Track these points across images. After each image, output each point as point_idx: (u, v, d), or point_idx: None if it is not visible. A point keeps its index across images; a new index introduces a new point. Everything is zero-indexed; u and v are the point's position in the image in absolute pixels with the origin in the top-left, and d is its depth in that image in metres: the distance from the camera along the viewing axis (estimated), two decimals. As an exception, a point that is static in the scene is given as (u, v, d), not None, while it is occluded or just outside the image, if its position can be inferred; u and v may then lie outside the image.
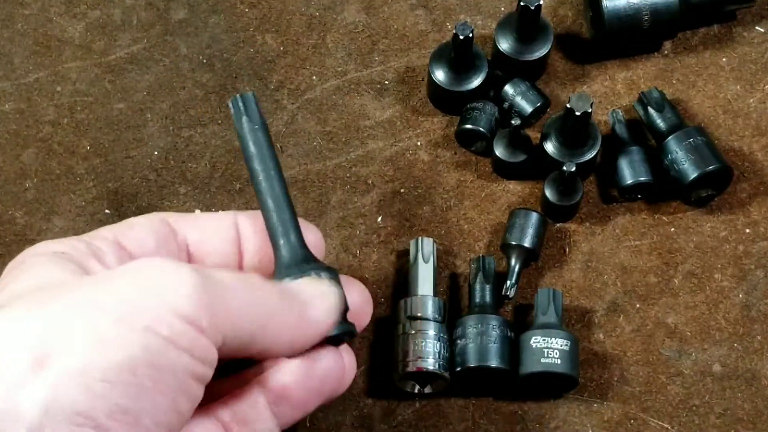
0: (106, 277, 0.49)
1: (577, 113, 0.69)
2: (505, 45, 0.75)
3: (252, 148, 0.60)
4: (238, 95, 0.60)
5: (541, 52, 0.75)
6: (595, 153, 0.72)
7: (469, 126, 0.74)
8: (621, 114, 0.75)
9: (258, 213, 0.59)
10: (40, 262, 0.52)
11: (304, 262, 0.58)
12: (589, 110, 0.69)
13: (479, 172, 0.75)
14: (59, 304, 0.47)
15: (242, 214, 0.60)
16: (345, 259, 0.73)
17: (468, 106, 0.75)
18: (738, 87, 0.77)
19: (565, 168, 0.70)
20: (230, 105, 0.61)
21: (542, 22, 0.75)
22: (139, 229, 0.56)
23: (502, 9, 0.79)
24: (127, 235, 0.56)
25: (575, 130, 0.71)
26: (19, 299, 0.49)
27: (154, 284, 0.48)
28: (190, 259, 0.58)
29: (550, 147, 0.72)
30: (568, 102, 0.69)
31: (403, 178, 0.75)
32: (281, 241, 0.58)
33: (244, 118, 0.60)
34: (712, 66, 0.78)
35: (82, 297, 0.47)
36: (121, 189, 0.74)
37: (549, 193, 0.72)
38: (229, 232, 0.59)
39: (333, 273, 0.58)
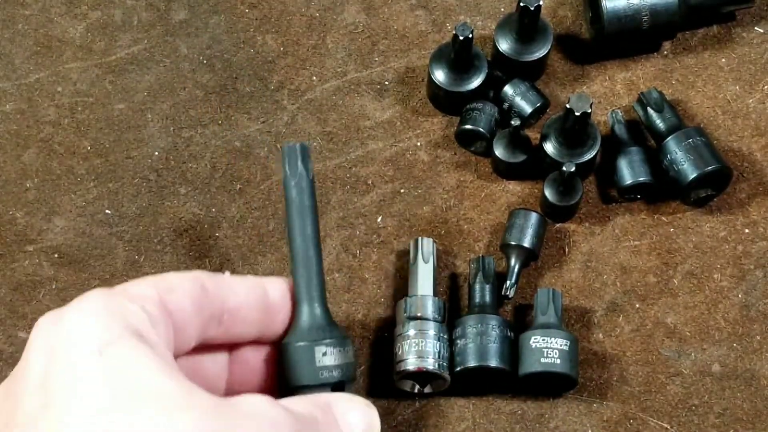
0: (236, 414, 0.53)
1: (577, 113, 0.69)
2: (504, 45, 0.75)
3: (294, 199, 0.58)
4: (293, 143, 0.58)
5: (540, 53, 0.75)
6: (594, 153, 0.73)
7: (468, 126, 0.74)
8: (620, 114, 0.75)
9: (285, 280, 0.60)
10: (131, 349, 0.54)
11: (323, 329, 0.58)
12: (589, 110, 0.69)
13: (479, 173, 0.75)
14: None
15: (271, 282, 0.62)
16: (345, 259, 0.73)
17: (468, 106, 0.75)
18: (737, 87, 0.77)
19: (564, 168, 0.70)
20: (281, 151, 0.59)
21: (542, 23, 0.75)
22: (180, 292, 0.58)
23: (502, 9, 0.79)
24: (170, 298, 0.58)
25: (575, 130, 0.71)
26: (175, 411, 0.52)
27: (270, 425, 0.53)
28: (221, 323, 0.60)
29: (549, 147, 0.73)
30: (568, 102, 0.70)
31: (403, 179, 0.75)
32: (304, 305, 0.59)
33: (299, 165, 0.58)
34: (711, 66, 0.78)
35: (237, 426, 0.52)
36: (121, 189, 0.75)
37: (548, 194, 0.72)
38: (259, 299, 0.61)
39: (347, 342, 0.59)
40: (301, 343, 0.58)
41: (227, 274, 0.62)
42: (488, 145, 0.74)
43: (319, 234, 0.59)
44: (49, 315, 0.54)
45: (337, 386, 0.58)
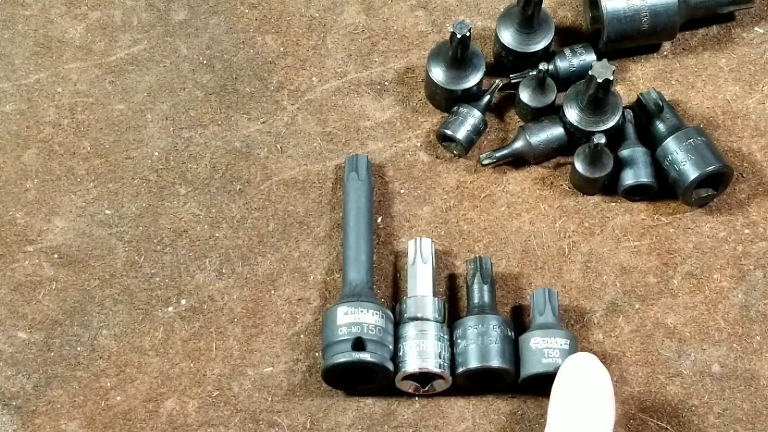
0: None
1: (599, 80, 0.69)
2: (507, 38, 0.75)
3: (351, 197, 0.72)
4: (360, 154, 0.73)
5: (544, 43, 0.75)
6: (617, 120, 0.72)
7: (447, 132, 0.74)
8: (630, 114, 0.75)
9: None
10: None
11: (362, 296, 0.68)
12: (611, 78, 0.69)
13: (479, 173, 0.75)
14: None
15: None
16: (345, 259, 0.73)
17: (453, 109, 0.75)
18: (737, 88, 0.77)
19: (594, 139, 0.70)
20: (350, 158, 0.73)
21: (543, 13, 0.75)
22: None
23: (501, 10, 0.79)
24: None
25: (597, 98, 0.71)
26: None
27: None
28: None
29: (572, 115, 0.72)
30: (591, 69, 0.70)
31: (403, 179, 0.75)
32: (350, 275, 0.70)
33: (353, 174, 0.72)
34: (711, 67, 0.78)
35: None
36: (121, 189, 0.75)
37: (579, 166, 0.72)
38: None
39: (370, 305, 0.67)
40: (330, 306, 0.68)
41: None
42: (465, 149, 0.74)
43: (372, 228, 0.72)
44: None
45: (357, 343, 0.66)
